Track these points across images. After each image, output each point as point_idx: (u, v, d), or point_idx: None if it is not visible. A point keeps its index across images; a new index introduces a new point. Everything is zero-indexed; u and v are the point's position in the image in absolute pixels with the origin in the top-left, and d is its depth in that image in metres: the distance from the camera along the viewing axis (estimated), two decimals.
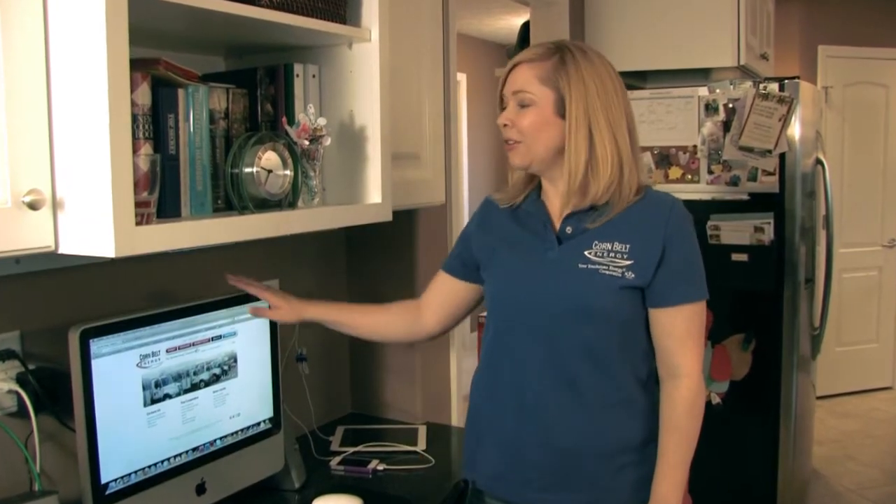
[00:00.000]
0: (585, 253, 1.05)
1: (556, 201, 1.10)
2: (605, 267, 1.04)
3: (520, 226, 1.13)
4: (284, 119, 1.14)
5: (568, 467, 1.06)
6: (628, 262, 1.04)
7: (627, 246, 1.04)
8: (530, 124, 1.05)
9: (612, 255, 1.05)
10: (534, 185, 1.14)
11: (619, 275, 1.03)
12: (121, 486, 1.01)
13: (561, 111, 1.04)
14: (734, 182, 2.25)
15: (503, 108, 1.09)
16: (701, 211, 2.26)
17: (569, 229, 1.08)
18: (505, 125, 1.07)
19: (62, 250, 0.84)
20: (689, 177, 2.29)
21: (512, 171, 1.14)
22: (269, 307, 1.19)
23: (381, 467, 1.34)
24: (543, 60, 1.05)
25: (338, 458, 1.38)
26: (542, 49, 1.06)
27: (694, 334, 1.06)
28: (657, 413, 1.08)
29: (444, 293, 1.22)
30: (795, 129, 2.21)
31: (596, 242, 1.06)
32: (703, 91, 2.27)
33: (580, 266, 1.05)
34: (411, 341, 1.27)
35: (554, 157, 1.06)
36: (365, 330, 1.23)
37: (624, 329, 1.06)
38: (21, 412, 1.02)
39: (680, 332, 1.05)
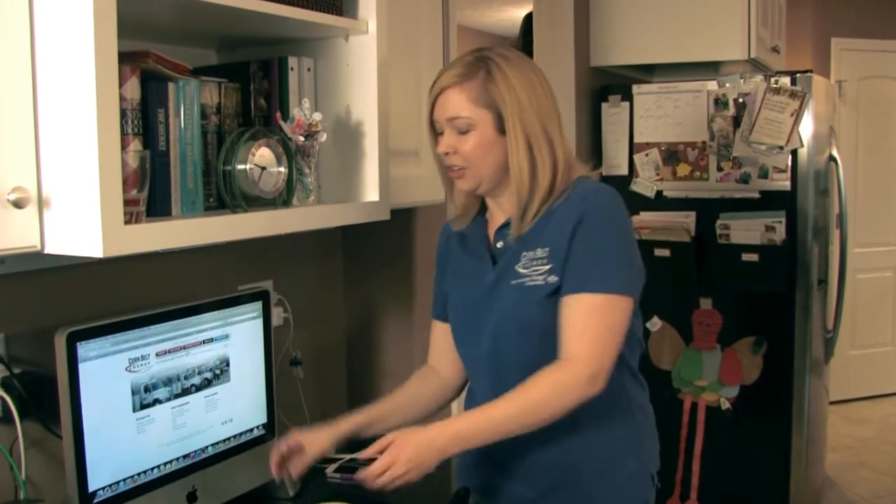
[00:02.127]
0: (516, 267, 1.03)
1: (501, 218, 1.08)
2: (529, 278, 1.01)
3: (465, 251, 1.11)
4: (279, 114, 1.13)
5: (551, 479, 1.05)
6: (547, 267, 1.00)
7: (547, 250, 1.01)
8: (474, 149, 1.01)
9: (534, 263, 1.01)
10: (479, 202, 1.11)
11: (542, 282, 1.00)
12: (109, 494, 1.00)
13: (501, 128, 1.01)
14: (744, 179, 2.21)
15: (437, 134, 1.04)
16: (710, 209, 2.24)
17: (499, 244, 1.07)
18: (447, 153, 1.02)
19: (48, 250, 0.83)
20: (698, 174, 2.25)
21: (456, 195, 1.09)
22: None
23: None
24: (470, 79, 1.00)
25: (334, 466, 1.35)
26: (465, 66, 1.01)
27: (592, 328, 0.95)
28: (632, 414, 1.06)
29: (447, 341, 1.14)
30: (808, 125, 2.17)
31: (523, 254, 1.03)
32: (712, 85, 2.24)
33: (512, 283, 1.03)
34: (448, 401, 1.19)
35: (501, 174, 1.03)
36: (399, 418, 1.13)
37: None
38: (6, 418, 1.00)
39: (577, 324, 0.96)
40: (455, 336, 1.11)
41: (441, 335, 1.16)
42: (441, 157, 1.04)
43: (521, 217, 1.02)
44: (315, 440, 1.07)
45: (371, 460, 0.95)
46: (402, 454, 0.92)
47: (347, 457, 1.39)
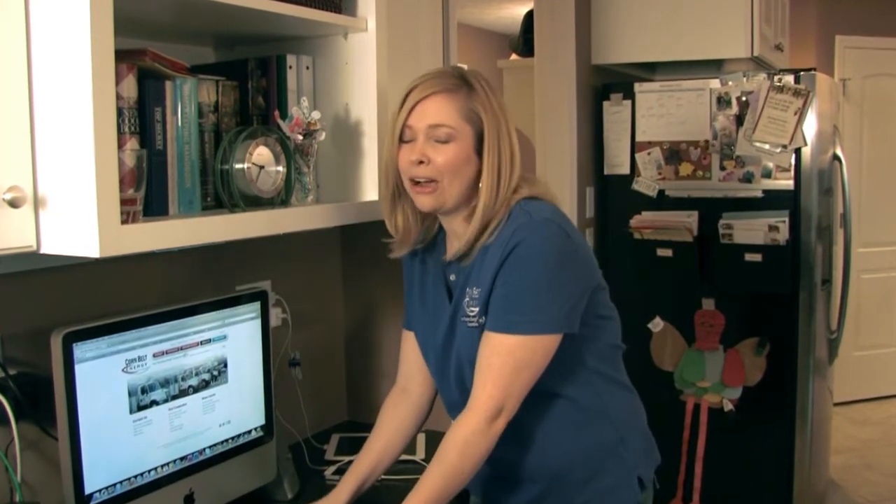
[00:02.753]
0: (464, 304, 1.01)
1: (455, 246, 1.03)
2: (469, 319, 1.00)
3: (425, 278, 1.09)
4: (277, 113, 1.12)
5: (539, 487, 1.05)
6: (478, 308, 0.98)
7: (479, 290, 0.98)
8: (451, 161, 0.95)
9: (472, 303, 0.99)
10: (426, 226, 1.06)
11: (476, 324, 0.99)
12: (105, 496, 0.99)
13: (479, 148, 0.97)
14: (747, 178, 2.19)
15: (404, 142, 0.98)
16: (713, 209, 2.22)
17: (452, 277, 1.05)
18: (420, 162, 0.96)
19: (44, 250, 0.83)
20: (701, 173, 2.24)
21: (395, 216, 1.03)
22: None
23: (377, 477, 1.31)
24: (455, 91, 0.96)
25: (333, 468, 1.36)
26: (446, 77, 0.97)
27: (496, 368, 0.94)
28: (609, 419, 1.04)
29: (417, 356, 1.12)
30: (811, 124, 2.15)
31: (467, 290, 1.01)
32: (714, 83, 2.22)
33: (462, 320, 1.01)
34: (424, 419, 1.18)
35: (464, 197, 0.99)
36: (387, 461, 1.14)
37: None
38: (1, 419, 0.99)
39: (483, 363, 0.95)
40: (425, 361, 1.11)
41: (412, 349, 1.14)
42: (407, 167, 0.97)
43: (474, 240, 0.98)
44: None
45: None
46: None
47: (347, 459, 1.38)
